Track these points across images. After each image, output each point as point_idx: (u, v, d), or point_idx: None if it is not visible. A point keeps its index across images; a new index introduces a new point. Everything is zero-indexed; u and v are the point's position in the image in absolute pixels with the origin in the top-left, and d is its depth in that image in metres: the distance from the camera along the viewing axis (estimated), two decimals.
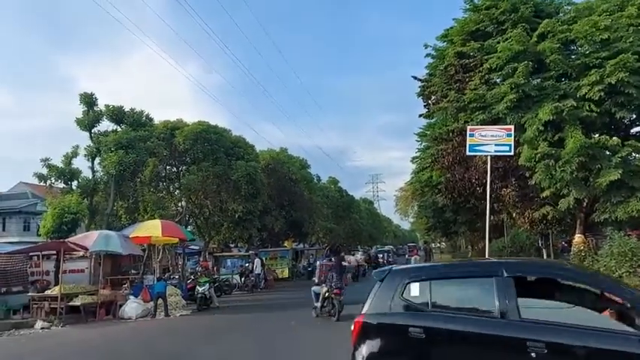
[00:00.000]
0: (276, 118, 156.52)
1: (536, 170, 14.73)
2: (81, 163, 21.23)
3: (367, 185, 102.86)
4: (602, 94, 13.69)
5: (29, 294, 15.09)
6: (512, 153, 15.45)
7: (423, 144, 26.42)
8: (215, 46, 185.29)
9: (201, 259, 26.86)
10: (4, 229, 41.81)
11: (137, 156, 19.59)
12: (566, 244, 22.30)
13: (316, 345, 9.42)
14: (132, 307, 15.16)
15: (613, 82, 13.34)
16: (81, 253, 16.91)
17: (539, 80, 14.77)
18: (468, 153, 16.24)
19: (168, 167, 25.37)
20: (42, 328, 13.30)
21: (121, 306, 15.34)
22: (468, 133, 15.88)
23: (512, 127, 15.08)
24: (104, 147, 19.79)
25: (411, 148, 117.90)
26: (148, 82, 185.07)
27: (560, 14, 17.31)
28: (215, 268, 25.48)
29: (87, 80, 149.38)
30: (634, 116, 15.42)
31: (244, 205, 24.68)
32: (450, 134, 18.78)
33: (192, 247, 28.46)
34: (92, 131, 20.83)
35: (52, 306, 14.23)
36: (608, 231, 13.84)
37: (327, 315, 12.60)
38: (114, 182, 19.84)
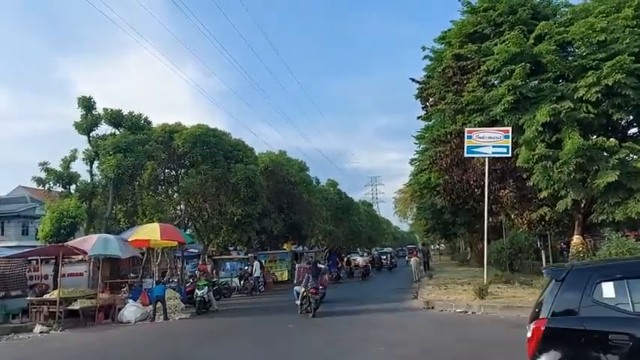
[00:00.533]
0: (275, 120, 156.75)
1: (534, 171, 14.77)
2: (79, 167, 21.14)
3: (366, 187, 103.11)
4: (600, 95, 13.74)
5: (28, 298, 15.07)
6: (509, 154, 15.56)
7: (422, 146, 26.54)
8: (212, 48, 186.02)
9: (200, 262, 26.78)
10: (2, 233, 41.68)
11: (136, 159, 19.55)
12: (564, 246, 22.31)
13: (314, 347, 9.42)
14: (131, 310, 15.14)
15: (610, 84, 13.39)
16: (80, 257, 16.90)
17: (536, 82, 14.79)
18: (465, 155, 16.36)
19: (166, 170, 25.30)
20: (41, 332, 13.26)
21: (119, 310, 15.31)
22: (465, 135, 16.01)
23: (509, 128, 15.18)
24: (102, 150, 19.74)
25: (410, 150, 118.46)
26: (146, 85, 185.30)
27: (557, 16, 17.37)
28: (214, 272, 25.44)
29: (85, 83, 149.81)
30: (631, 118, 15.47)
31: (243, 208, 24.65)
32: (448, 136, 18.84)
33: (191, 250, 28.43)
34: (90, 135, 20.75)
35: (50, 310, 14.19)
36: (606, 232, 13.89)
37: (305, 312, 13.79)
38: (112, 186, 19.82)
